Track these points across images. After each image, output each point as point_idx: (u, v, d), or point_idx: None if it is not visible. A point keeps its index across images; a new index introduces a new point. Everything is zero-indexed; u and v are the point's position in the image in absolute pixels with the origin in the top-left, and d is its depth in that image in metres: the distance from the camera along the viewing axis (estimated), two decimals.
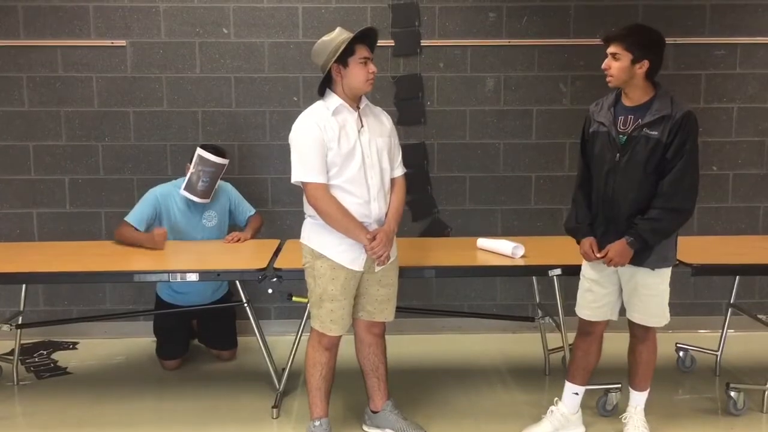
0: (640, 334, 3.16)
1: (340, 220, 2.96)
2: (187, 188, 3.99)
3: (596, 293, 3.15)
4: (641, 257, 2.98)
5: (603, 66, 2.95)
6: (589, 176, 3.13)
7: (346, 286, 3.05)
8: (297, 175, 3.00)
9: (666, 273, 3.06)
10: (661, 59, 2.93)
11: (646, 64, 2.88)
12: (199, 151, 3.96)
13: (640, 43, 2.88)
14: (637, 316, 3.11)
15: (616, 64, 2.90)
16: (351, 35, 2.93)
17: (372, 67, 2.99)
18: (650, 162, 2.90)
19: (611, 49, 2.92)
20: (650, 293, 3.05)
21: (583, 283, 3.21)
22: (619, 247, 2.96)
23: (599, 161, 3.03)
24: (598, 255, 3.03)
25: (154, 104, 4.57)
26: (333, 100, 3.01)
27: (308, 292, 3.15)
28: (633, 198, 2.94)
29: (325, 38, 2.99)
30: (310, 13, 4.52)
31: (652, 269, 3.00)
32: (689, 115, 2.87)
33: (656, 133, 2.88)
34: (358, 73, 2.96)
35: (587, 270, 3.19)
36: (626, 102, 2.99)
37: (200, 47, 4.53)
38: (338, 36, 2.95)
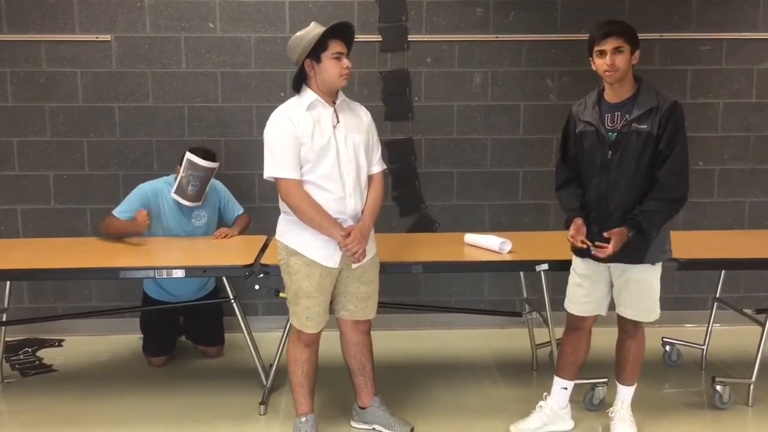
0: (629, 330, 3.17)
1: (313, 216, 2.94)
2: (178, 192, 3.97)
3: (587, 288, 3.15)
4: (639, 254, 2.97)
5: (608, 62, 2.86)
6: (572, 176, 3.12)
7: (322, 283, 3.03)
8: (269, 171, 2.97)
9: (659, 268, 3.06)
10: None
11: (638, 54, 2.91)
12: (189, 155, 3.93)
13: (633, 35, 2.90)
14: (628, 312, 3.11)
15: (622, 57, 2.87)
16: (323, 30, 2.91)
17: (346, 62, 2.95)
18: (643, 156, 2.90)
19: (614, 44, 2.85)
20: (643, 288, 3.05)
21: (574, 278, 3.20)
22: (620, 237, 2.88)
23: (590, 161, 3.02)
24: (596, 244, 2.94)
25: (139, 99, 4.54)
26: (308, 96, 2.98)
27: (285, 288, 3.14)
28: (628, 193, 2.94)
29: (299, 33, 2.97)
30: (297, 7, 4.49)
31: (653, 264, 3.01)
32: (676, 105, 2.88)
33: (646, 126, 2.88)
34: (330, 69, 2.93)
35: (578, 265, 3.18)
36: (611, 99, 2.98)
37: (186, 42, 4.50)
38: (311, 31, 2.93)
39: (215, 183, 4.19)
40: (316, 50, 2.91)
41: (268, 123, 2.99)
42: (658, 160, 2.90)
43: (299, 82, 3.02)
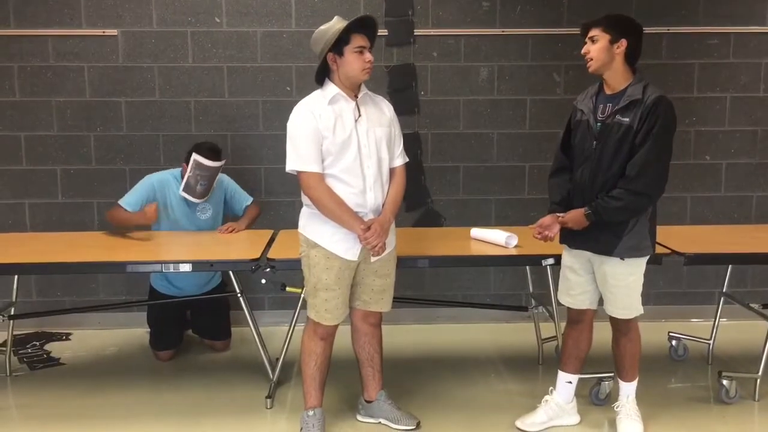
0: (621, 327, 3.15)
1: (334, 209, 2.95)
2: (186, 190, 3.98)
3: (572, 281, 3.16)
4: (608, 246, 2.97)
5: (582, 51, 2.95)
6: (566, 165, 3.14)
7: (341, 276, 3.04)
8: (291, 164, 2.99)
9: (637, 263, 3.02)
10: (639, 43, 2.93)
11: (623, 43, 2.89)
12: (195, 156, 3.93)
13: (617, 25, 2.90)
14: (609, 309, 3.11)
15: (595, 46, 2.91)
16: (346, 23, 2.92)
17: (368, 56, 2.97)
18: (621, 149, 2.89)
19: (589, 34, 2.94)
20: (618, 284, 3.02)
21: (563, 270, 3.23)
22: (575, 214, 2.98)
23: (579, 150, 3.04)
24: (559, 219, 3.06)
25: (146, 94, 4.55)
26: (330, 89, 3.00)
27: (304, 280, 3.15)
28: (605, 185, 2.93)
29: (322, 27, 2.99)
30: (303, 2, 4.49)
31: (622, 259, 2.98)
32: (660, 100, 2.85)
33: (627, 119, 2.87)
34: (353, 62, 2.94)
35: (564, 256, 3.21)
36: (607, 90, 2.99)
37: (192, 36, 4.50)
38: (335, 25, 2.95)
39: (220, 176, 4.20)
40: (339, 44, 2.92)
41: (291, 116, 3.00)
42: (633, 154, 2.89)
43: (322, 76, 3.04)
